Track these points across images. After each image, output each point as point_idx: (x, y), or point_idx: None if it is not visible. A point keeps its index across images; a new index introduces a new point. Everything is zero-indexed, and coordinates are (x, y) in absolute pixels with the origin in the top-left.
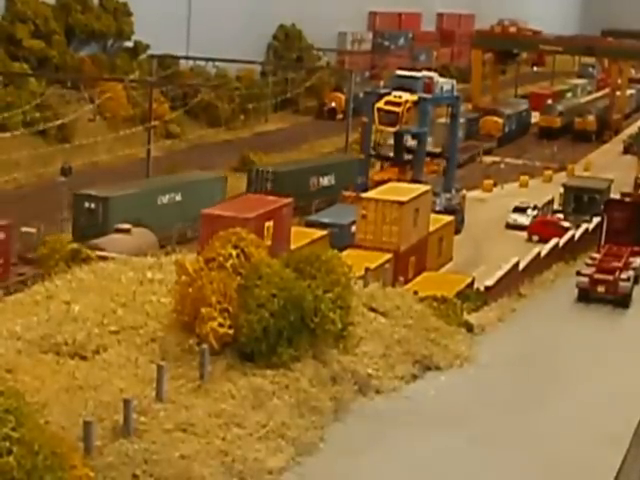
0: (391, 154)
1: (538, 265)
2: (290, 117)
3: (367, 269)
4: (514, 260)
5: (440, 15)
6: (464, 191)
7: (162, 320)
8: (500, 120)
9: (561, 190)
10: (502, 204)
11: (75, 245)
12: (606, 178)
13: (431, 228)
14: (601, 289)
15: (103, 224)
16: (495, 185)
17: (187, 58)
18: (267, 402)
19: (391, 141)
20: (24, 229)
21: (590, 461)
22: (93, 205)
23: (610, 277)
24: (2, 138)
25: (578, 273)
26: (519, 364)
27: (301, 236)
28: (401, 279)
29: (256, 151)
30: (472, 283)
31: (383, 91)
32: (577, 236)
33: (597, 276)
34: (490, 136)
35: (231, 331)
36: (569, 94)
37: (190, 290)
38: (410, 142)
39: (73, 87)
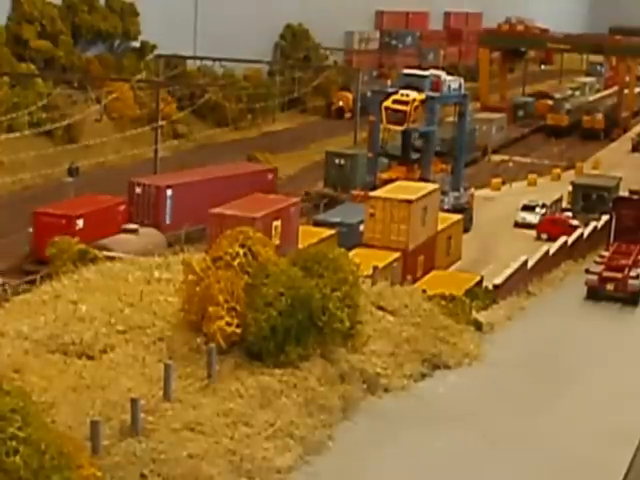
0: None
1: (547, 263)
2: (298, 116)
3: (375, 268)
4: (523, 258)
5: (447, 14)
6: (472, 190)
7: (169, 319)
8: (551, 102)
9: (570, 188)
10: (510, 202)
11: (82, 245)
12: (614, 176)
13: (439, 227)
14: (610, 287)
15: (351, 176)
16: (503, 183)
17: (194, 58)
18: (275, 401)
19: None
20: (31, 230)
21: (600, 459)
22: (342, 161)
23: (619, 275)
24: (9, 139)
25: (587, 271)
26: (528, 362)
27: (309, 235)
28: (409, 278)
29: (263, 151)
30: (481, 281)
31: (391, 90)
32: (586, 234)
33: (606, 274)
34: (543, 116)
35: (239, 330)
36: (577, 92)
37: (197, 289)
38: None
39: (80, 87)
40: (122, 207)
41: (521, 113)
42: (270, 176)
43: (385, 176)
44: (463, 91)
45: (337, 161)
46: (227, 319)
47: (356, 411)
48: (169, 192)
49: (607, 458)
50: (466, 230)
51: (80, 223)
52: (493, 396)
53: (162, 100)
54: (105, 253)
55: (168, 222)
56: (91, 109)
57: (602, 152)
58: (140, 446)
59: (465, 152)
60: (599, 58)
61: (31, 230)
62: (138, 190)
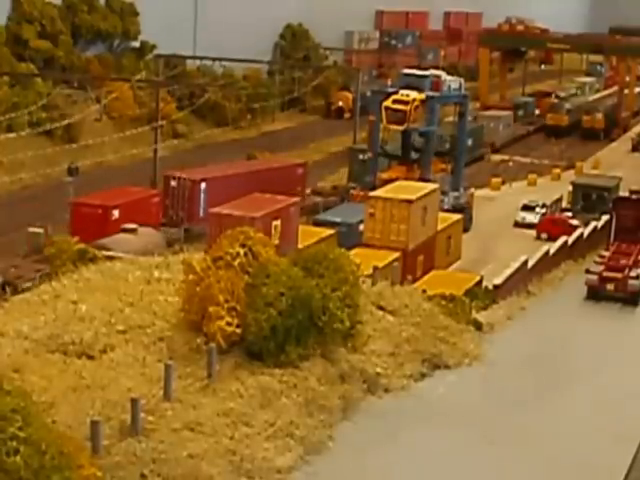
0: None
1: (547, 263)
2: (297, 116)
3: (375, 268)
4: (523, 258)
5: (447, 14)
6: (472, 189)
7: (170, 319)
8: (556, 100)
9: (570, 188)
10: (510, 202)
11: (82, 245)
12: (614, 176)
13: (439, 227)
14: (610, 287)
15: (371, 171)
16: (503, 183)
17: (194, 58)
18: (275, 401)
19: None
20: (31, 229)
21: (600, 459)
22: (366, 156)
23: (619, 275)
24: (8, 138)
25: (587, 271)
26: (528, 362)
27: (309, 235)
28: (409, 277)
29: (263, 150)
30: (481, 281)
31: (390, 90)
32: (586, 234)
33: (606, 274)
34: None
35: (239, 330)
36: (578, 92)
37: (197, 289)
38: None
39: (79, 87)
40: (156, 199)
41: (521, 113)
42: (300, 170)
43: (385, 176)
44: (463, 91)
45: (360, 156)
46: (227, 319)
47: (356, 411)
48: (203, 185)
49: (608, 458)
50: (466, 230)
51: (116, 213)
52: (493, 396)
53: (162, 100)
54: (105, 253)
55: (202, 215)
56: (91, 109)
57: (602, 152)
58: (140, 446)
59: (465, 152)
60: (599, 58)
61: (31, 229)
62: (173, 183)
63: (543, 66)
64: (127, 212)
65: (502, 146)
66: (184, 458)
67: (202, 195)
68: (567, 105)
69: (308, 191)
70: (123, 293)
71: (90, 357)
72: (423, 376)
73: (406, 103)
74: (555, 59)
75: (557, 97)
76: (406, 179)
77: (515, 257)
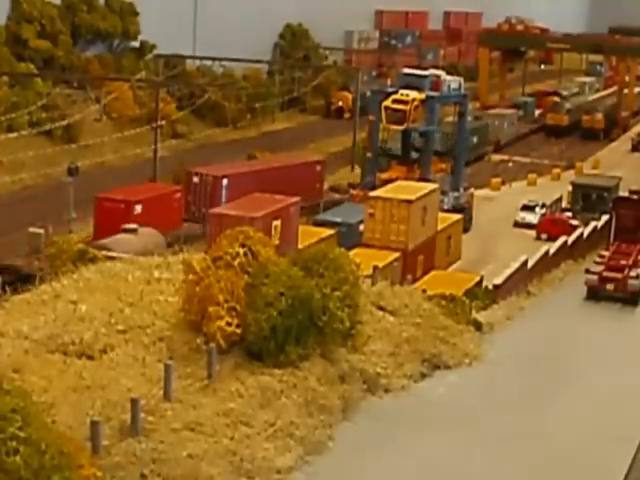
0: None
1: (547, 263)
2: (297, 116)
3: (375, 268)
4: (523, 258)
5: (447, 13)
6: (472, 189)
7: (169, 319)
8: (558, 99)
9: (569, 188)
10: (510, 202)
11: (82, 245)
12: (614, 176)
13: (439, 227)
14: (610, 287)
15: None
16: (503, 183)
17: (193, 58)
18: (275, 401)
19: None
20: (32, 230)
21: (600, 460)
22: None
23: (619, 275)
24: (8, 138)
25: (587, 271)
26: (528, 363)
27: (309, 235)
28: (409, 278)
29: (263, 150)
30: (481, 281)
31: (390, 89)
32: (586, 234)
33: (606, 274)
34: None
35: (239, 330)
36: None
37: (197, 289)
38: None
39: (79, 87)
40: (178, 195)
41: (521, 113)
42: (318, 167)
43: (385, 176)
44: (463, 91)
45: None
46: (227, 319)
47: (356, 411)
48: (225, 182)
49: (607, 458)
50: (466, 230)
51: (138, 208)
52: (493, 396)
53: (161, 100)
54: (105, 253)
55: None
56: (90, 109)
57: (602, 152)
58: (140, 446)
59: (465, 152)
60: (599, 58)
61: (31, 230)
62: (195, 179)
63: (543, 66)
64: (149, 207)
65: (507, 144)
66: (184, 458)
67: (224, 191)
68: (567, 105)
69: (326, 187)
70: (123, 293)
71: (90, 357)
72: (423, 376)
73: (406, 103)
74: (555, 59)
75: (559, 96)
76: (406, 179)
77: (515, 257)
